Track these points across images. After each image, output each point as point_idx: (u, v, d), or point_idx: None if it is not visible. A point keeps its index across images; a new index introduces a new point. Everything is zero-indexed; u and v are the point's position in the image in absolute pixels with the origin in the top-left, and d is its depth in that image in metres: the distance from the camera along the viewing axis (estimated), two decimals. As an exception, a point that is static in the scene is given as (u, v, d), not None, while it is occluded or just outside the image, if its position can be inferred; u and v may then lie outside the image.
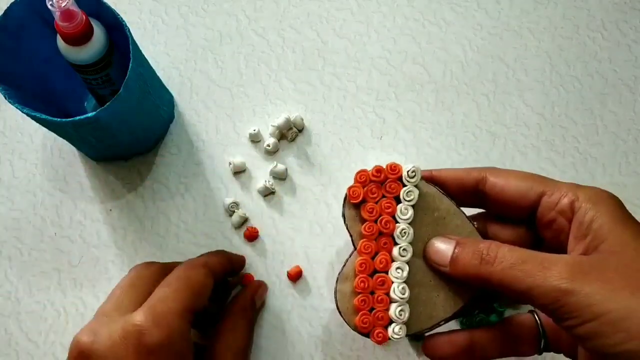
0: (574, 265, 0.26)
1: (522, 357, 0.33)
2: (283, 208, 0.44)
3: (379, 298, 0.32)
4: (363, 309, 0.32)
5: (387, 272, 0.32)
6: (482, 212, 0.35)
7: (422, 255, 0.33)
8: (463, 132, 0.46)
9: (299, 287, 0.43)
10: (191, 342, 0.32)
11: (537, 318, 0.32)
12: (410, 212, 0.32)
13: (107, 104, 0.35)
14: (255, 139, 0.46)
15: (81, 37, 0.35)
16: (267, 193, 0.44)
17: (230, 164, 0.45)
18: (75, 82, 0.41)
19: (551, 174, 0.45)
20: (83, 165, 0.46)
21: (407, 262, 0.32)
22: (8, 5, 0.36)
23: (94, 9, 0.37)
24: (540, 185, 0.30)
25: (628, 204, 0.44)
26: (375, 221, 0.33)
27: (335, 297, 0.33)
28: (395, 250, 0.32)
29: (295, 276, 0.42)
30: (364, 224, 0.32)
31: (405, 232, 0.32)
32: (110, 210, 0.44)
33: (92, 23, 0.36)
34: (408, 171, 0.32)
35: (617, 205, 0.28)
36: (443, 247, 0.31)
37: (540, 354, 0.32)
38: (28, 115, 0.36)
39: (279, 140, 0.46)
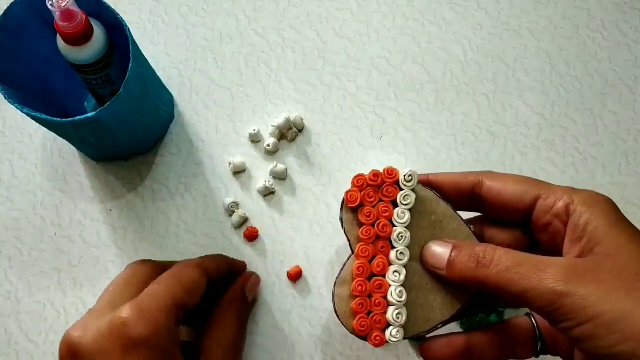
0: (569, 268, 0.26)
1: (519, 360, 0.33)
2: (283, 208, 0.44)
3: (377, 301, 0.32)
4: (361, 313, 0.32)
5: (384, 276, 0.32)
6: (479, 216, 0.35)
7: (419, 258, 0.33)
8: (463, 132, 0.46)
9: (299, 287, 0.43)
10: (178, 338, 0.32)
11: (534, 321, 0.32)
12: (408, 215, 0.33)
13: (107, 104, 0.35)
14: (255, 139, 0.46)
15: (81, 37, 0.35)
16: (267, 193, 0.44)
17: (230, 164, 0.45)
18: (75, 82, 0.41)
19: (551, 174, 0.45)
20: (83, 165, 0.46)
21: (405, 266, 0.32)
22: (8, 5, 0.36)
23: (94, 9, 0.37)
24: (535, 188, 0.31)
25: (628, 204, 0.44)
26: (373, 225, 0.33)
27: (333, 301, 0.33)
28: (392, 254, 0.32)
29: (295, 276, 0.42)
30: (362, 228, 0.33)
31: (402, 236, 0.32)
32: (110, 210, 0.44)
33: (92, 23, 0.36)
34: (405, 175, 0.33)
35: (612, 208, 0.28)
36: (440, 251, 0.31)
37: (537, 356, 0.32)
38: (28, 115, 0.36)
39: (279, 140, 0.46)
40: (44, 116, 0.35)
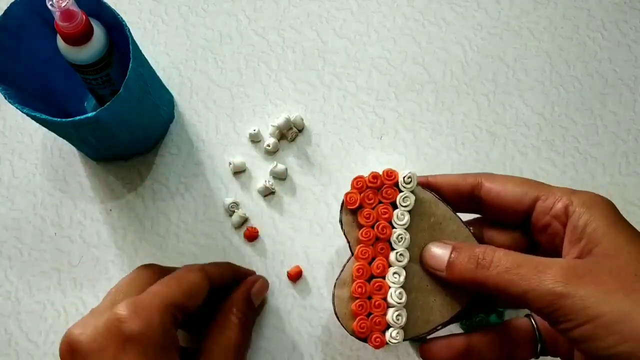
0: (568, 269, 0.26)
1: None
2: (283, 208, 0.44)
3: (377, 303, 0.32)
4: (361, 314, 0.32)
5: (384, 277, 0.32)
6: (478, 218, 0.35)
7: (418, 260, 0.33)
8: (463, 132, 0.46)
9: (299, 287, 0.43)
10: (175, 338, 0.32)
11: (533, 322, 0.32)
12: (407, 217, 0.33)
13: (107, 104, 0.35)
14: (255, 139, 0.46)
15: (81, 37, 0.35)
16: (267, 193, 0.44)
17: (230, 164, 0.45)
18: (75, 82, 0.41)
19: (551, 174, 0.45)
20: (83, 165, 0.46)
21: (404, 267, 0.32)
22: (8, 5, 0.36)
23: (94, 9, 0.37)
24: (534, 190, 0.31)
25: (628, 204, 0.44)
26: (372, 227, 0.33)
27: (333, 303, 0.33)
28: (392, 256, 0.32)
29: (295, 276, 0.42)
30: (361, 230, 0.33)
31: (402, 238, 0.32)
32: (110, 210, 0.44)
33: (92, 23, 0.36)
34: (404, 177, 0.33)
35: (610, 209, 0.28)
36: (439, 252, 0.31)
37: (537, 357, 0.32)
38: (28, 115, 0.36)
39: (279, 140, 0.46)
40: (44, 116, 0.35)
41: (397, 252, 0.32)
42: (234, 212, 0.44)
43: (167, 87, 0.46)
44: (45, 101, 0.40)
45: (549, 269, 0.26)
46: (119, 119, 0.38)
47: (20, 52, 0.38)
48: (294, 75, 0.48)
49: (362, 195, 0.33)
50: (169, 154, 0.46)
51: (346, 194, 0.33)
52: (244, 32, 0.49)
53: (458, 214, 0.34)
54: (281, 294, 0.42)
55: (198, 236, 0.44)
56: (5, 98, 0.36)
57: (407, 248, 0.33)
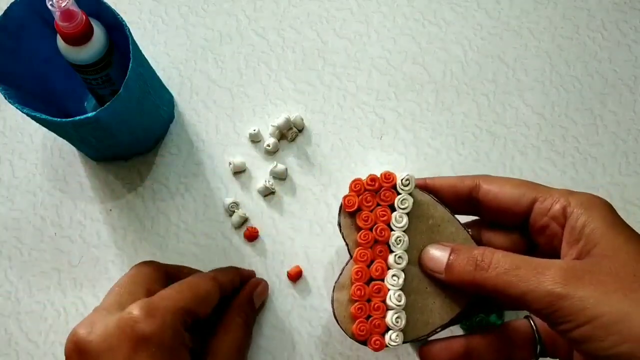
0: (567, 270, 0.26)
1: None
2: (283, 208, 0.44)
3: (376, 306, 0.32)
4: (360, 317, 0.32)
5: (383, 280, 0.32)
6: (476, 219, 0.35)
7: (417, 262, 0.33)
8: (463, 132, 0.46)
9: (299, 287, 0.43)
10: (185, 339, 0.32)
11: (532, 323, 0.32)
12: (405, 219, 0.33)
13: (107, 104, 0.35)
14: (255, 139, 0.46)
15: (81, 37, 0.35)
16: (267, 193, 0.44)
17: (230, 164, 0.45)
18: (75, 82, 0.41)
19: (551, 174, 0.45)
20: (83, 165, 0.46)
21: (403, 270, 0.32)
22: (8, 5, 0.36)
23: (94, 9, 0.37)
24: (532, 191, 0.31)
25: (628, 204, 0.44)
26: (371, 229, 0.33)
27: (332, 306, 0.33)
28: (390, 258, 0.32)
29: (295, 276, 0.42)
30: (360, 232, 0.33)
31: (400, 240, 0.32)
32: (110, 210, 0.44)
33: (92, 23, 0.36)
34: (402, 179, 0.33)
35: (609, 210, 0.29)
36: (438, 254, 0.31)
37: (536, 359, 0.32)
38: (28, 115, 0.36)
39: (279, 140, 0.46)
40: (44, 116, 0.35)
41: (395, 255, 0.32)
42: (234, 212, 0.44)
43: (167, 87, 0.46)
44: (45, 101, 0.40)
45: (548, 270, 0.26)
46: (119, 119, 0.38)
47: (20, 52, 0.38)
48: (294, 75, 0.48)
49: (360, 198, 0.33)
50: (169, 154, 0.46)
51: (344, 197, 0.33)
52: (244, 32, 0.49)
53: (456, 216, 0.34)
54: (281, 294, 0.42)
55: (198, 236, 0.44)
56: (5, 98, 0.36)
57: (405, 250, 0.33)
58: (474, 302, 0.33)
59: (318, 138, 0.46)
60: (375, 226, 0.33)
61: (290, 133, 0.45)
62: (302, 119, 0.46)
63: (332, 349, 0.41)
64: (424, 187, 0.34)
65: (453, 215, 0.33)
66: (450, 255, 0.31)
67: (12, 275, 0.43)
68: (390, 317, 0.32)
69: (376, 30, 0.49)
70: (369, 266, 0.33)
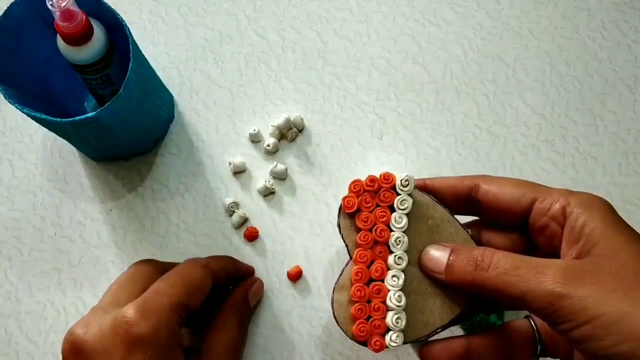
0: (567, 270, 0.26)
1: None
2: (283, 208, 0.44)
3: (376, 306, 0.32)
4: (360, 318, 0.32)
5: (383, 281, 0.32)
6: (476, 220, 0.35)
7: (417, 263, 0.33)
8: (463, 132, 0.46)
9: (299, 287, 0.43)
10: (180, 337, 0.32)
11: (533, 323, 0.32)
12: (405, 220, 0.33)
13: (107, 104, 0.35)
14: (255, 139, 0.46)
15: (81, 37, 0.35)
16: (267, 193, 0.44)
17: (230, 164, 0.45)
18: (75, 82, 0.41)
19: (551, 174, 0.45)
20: (83, 165, 0.46)
21: (403, 270, 0.32)
22: (8, 5, 0.36)
23: (94, 9, 0.37)
24: (532, 191, 0.31)
25: (628, 204, 0.44)
26: (370, 230, 0.33)
27: (332, 307, 0.33)
28: (390, 259, 0.32)
29: (295, 276, 0.42)
30: (359, 233, 0.33)
31: (400, 241, 0.32)
32: (110, 210, 0.44)
33: (92, 23, 0.36)
34: (401, 180, 0.33)
35: (608, 209, 0.29)
36: (438, 255, 0.31)
37: (537, 359, 0.32)
38: (28, 115, 0.36)
39: (279, 140, 0.46)
40: (44, 116, 0.35)
41: (395, 255, 0.32)
42: (234, 212, 0.44)
43: (167, 87, 0.46)
44: (45, 101, 0.40)
45: (548, 269, 0.26)
46: (119, 119, 0.38)
47: (20, 52, 0.38)
48: (294, 75, 0.48)
49: (359, 198, 0.33)
50: (169, 154, 0.46)
51: (344, 198, 0.33)
52: (244, 32, 0.49)
53: (456, 216, 0.34)
54: (281, 294, 0.42)
55: (198, 236, 0.44)
56: (5, 98, 0.36)
57: (405, 251, 0.32)
58: (474, 302, 0.33)
59: (318, 138, 0.46)
60: (375, 227, 0.33)
61: (290, 133, 0.45)
62: (302, 119, 0.46)
63: (332, 349, 0.41)
64: (424, 187, 0.34)
65: (452, 216, 0.33)
66: (450, 255, 0.31)
67: (12, 275, 0.43)
68: (390, 317, 0.32)
69: (376, 30, 0.49)
70: (368, 267, 0.33)
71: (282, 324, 0.42)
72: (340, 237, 0.33)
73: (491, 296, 0.29)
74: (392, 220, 0.33)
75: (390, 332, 0.32)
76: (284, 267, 0.43)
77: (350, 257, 0.33)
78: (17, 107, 0.36)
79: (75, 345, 0.30)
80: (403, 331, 0.32)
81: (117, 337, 0.29)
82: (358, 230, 0.33)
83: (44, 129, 0.45)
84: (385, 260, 0.33)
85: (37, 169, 0.45)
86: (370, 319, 0.32)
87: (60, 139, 0.43)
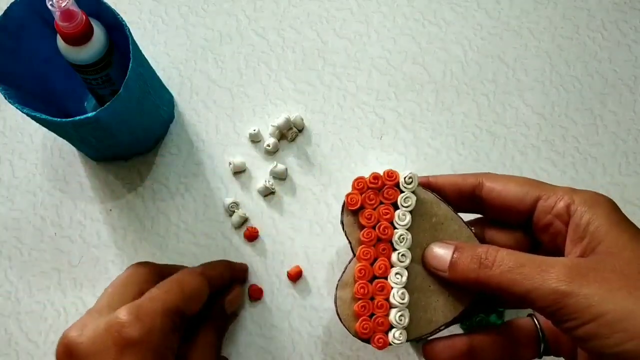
0: (571, 268, 0.26)
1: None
2: (283, 208, 0.44)
3: (379, 304, 0.32)
4: (363, 315, 0.32)
5: (386, 278, 0.32)
6: (479, 218, 0.35)
7: (420, 260, 0.33)
8: (463, 132, 0.46)
9: (299, 287, 0.43)
10: (173, 342, 0.32)
11: (536, 321, 0.32)
12: (408, 217, 0.33)
13: (107, 104, 0.35)
14: (255, 139, 0.46)
15: (81, 37, 0.35)
16: (267, 193, 0.44)
17: (230, 164, 0.45)
18: (75, 82, 0.41)
19: (551, 174, 0.45)
20: (83, 165, 0.46)
21: (406, 268, 0.32)
22: (8, 5, 0.36)
23: (94, 9, 0.37)
24: (536, 189, 0.31)
25: (628, 204, 0.44)
26: (374, 227, 0.33)
27: (336, 304, 0.33)
28: (394, 256, 0.32)
29: (295, 276, 0.42)
30: (363, 231, 0.33)
31: (403, 238, 0.32)
32: (110, 210, 0.44)
33: (92, 23, 0.36)
34: (405, 177, 0.33)
35: (612, 207, 0.28)
36: (441, 252, 0.31)
37: (540, 357, 0.32)
38: (28, 115, 0.36)
39: (279, 140, 0.46)
40: (44, 116, 0.35)
41: (399, 253, 0.32)
42: (234, 212, 0.44)
43: (167, 87, 0.46)
44: (45, 101, 0.40)
45: (552, 267, 0.26)
46: (119, 119, 0.38)
47: (20, 52, 0.38)
48: (294, 75, 0.48)
49: (363, 196, 0.33)
50: (169, 154, 0.46)
51: (347, 195, 0.33)
52: (244, 32, 0.49)
53: (459, 214, 0.33)
54: (281, 294, 0.42)
55: (198, 236, 0.44)
56: (5, 98, 0.36)
57: (409, 248, 0.32)
58: (478, 300, 0.33)
59: (318, 138, 0.46)
60: (378, 224, 0.33)
61: (290, 133, 0.45)
62: (302, 119, 0.46)
63: (332, 349, 0.41)
64: (427, 185, 0.34)
65: (456, 213, 0.33)
66: (453, 253, 0.31)
67: (12, 275, 0.43)
68: (393, 315, 0.31)
69: (376, 30, 0.49)
70: (372, 264, 0.32)
71: (282, 324, 0.42)
72: (344, 234, 0.33)
73: (495, 294, 0.29)
74: (396, 218, 0.33)
75: (394, 330, 0.32)
76: (284, 267, 0.43)
77: (354, 255, 0.33)
78: (17, 107, 0.36)
79: (69, 348, 0.30)
80: (406, 329, 0.32)
81: (110, 340, 0.29)
82: (361, 227, 0.33)
83: (44, 129, 0.45)
84: (389, 258, 0.33)
85: (37, 169, 0.45)
86: (374, 317, 0.32)
87: (60, 139, 0.43)
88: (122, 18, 0.36)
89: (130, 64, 0.36)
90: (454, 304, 0.32)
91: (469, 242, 0.32)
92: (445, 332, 0.33)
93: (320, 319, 0.42)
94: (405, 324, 0.31)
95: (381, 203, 0.33)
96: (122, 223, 0.44)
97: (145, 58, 0.40)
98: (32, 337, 0.42)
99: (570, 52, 0.48)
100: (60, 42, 0.36)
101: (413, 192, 0.33)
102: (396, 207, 0.33)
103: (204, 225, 0.44)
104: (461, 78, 0.48)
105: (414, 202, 0.33)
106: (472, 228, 0.33)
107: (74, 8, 0.33)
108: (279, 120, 0.45)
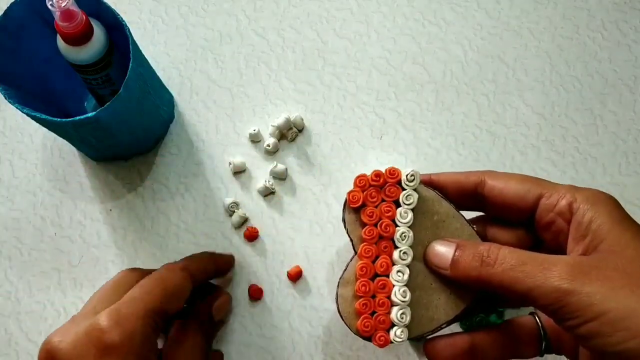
0: (574, 266, 0.26)
1: (523, 360, 0.33)
2: (283, 208, 0.44)
3: (380, 301, 0.32)
4: (364, 313, 0.32)
5: (388, 276, 0.32)
6: (481, 215, 0.35)
7: (422, 258, 0.33)
8: (463, 132, 0.46)
9: (299, 287, 0.43)
10: (155, 344, 0.32)
11: (538, 319, 0.32)
12: (410, 215, 0.32)
13: (107, 104, 0.35)
14: (255, 139, 0.46)
15: (81, 37, 0.35)
16: (267, 193, 0.44)
17: (230, 164, 0.45)
18: (75, 82, 0.41)
19: (551, 174, 0.45)
20: (83, 165, 0.46)
21: (408, 266, 0.32)
22: (8, 5, 0.36)
23: (94, 9, 0.37)
24: (538, 187, 0.31)
25: (628, 204, 0.44)
26: (375, 225, 0.33)
27: (337, 302, 0.33)
28: (395, 254, 0.32)
29: (295, 276, 0.42)
30: (364, 228, 0.33)
31: (405, 236, 0.32)
32: (110, 210, 0.44)
33: (92, 23, 0.36)
34: (407, 175, 0.33)
35: (615, 205, 0.28)
36: (443, 250, 0.31)
37: (541, 355, 0.32)
38: (28, 115, 0.36)
39: (279, 140, 0.46)
40: (44, 116, 0.35)
41: (400, 250, 0.32)
42: (234, 212, 0.44)
43: (167, 87, 0.46)
44: (45, 101, 0.40)
45: (555, 266, 0.26)
46: (119, 119, 0.38)
47: (20, 52, 0.38)
48: (294, 75, 0.48)
49: (364, 193, 0.33)
50: (169, 154, 0.46)
51: (349, 193, 0.33)
52: (244, 32, 0.49)
53: (461, 211, 0.33)
54: (281, 294, 0.42)
55: (198, 236, 0.44)
56: (5, 98, 0.36)
57: (410, 246, 0.32)
58: (479, 298, 0.32)
59: (318, 138, 0.46)
60: (380, 222, 0.33)
61: (290, 133, 0.45)
62: (302, 119, 0.46)
63: (332, 349, 0.41)
64: (429, 182, 0.34)
65: (458, 211, 0.33)
66: (455, 251, 0.31)
67: (12, 275, 0.43)
68: (395, 313, 0.31)
69: (376, 30, 0.49)
70: (373, 262, 0.32)
71: (282, 324, 0.42)
72: (345, 232, 0.33)
73: (497, 292, 0.29)
74: (398, 215, 0.33)
75: (395, 328, 0.31)
76: (284, 267, 0.43)
77: (355, 252, 0.33)
78: (17, 107, 0.36)
79: (51, 354, 0.30)
80: (407, 327, 0.32)
81: (90, 346, 0.29)
82: (363, 225, 0.33)
83: (44, 129, 0.45)
84: (390, 256, 0.33)
85: (37, 169, 0.45)
86: (375, 314, 0.32)
87: (60, 139, 0.43)
88: (122, 18, 0.36)
89: (130, 64, 0.36)
90: (456, 302, 0.32)
91: (470, 240, 0.32)
92: (446, 331, 0.33)
93: (320, 319, 0.42)
94: (407, 322, 0.31)
95: (383, 201, 0.33)
96: (122, 223, 0.44)
97: (145, 58, 0.40)
98: (32, 337, 0.42)
99: (570, 52, 0.48)
100: (60, 42, 0.36)
101: (415, 190, 0.33)
102: (398, 205, 0.33)
103: (204, 225, 0.44)
104: (461, 78, 0.48)
105: (415, 200, 0.33)
106: (474, 226, 0.33)
107: (74, 8, 0.33)
108: (279, 120, 0.45)
